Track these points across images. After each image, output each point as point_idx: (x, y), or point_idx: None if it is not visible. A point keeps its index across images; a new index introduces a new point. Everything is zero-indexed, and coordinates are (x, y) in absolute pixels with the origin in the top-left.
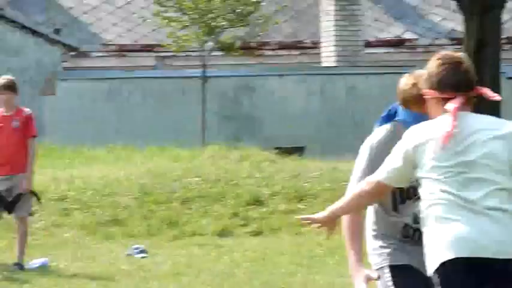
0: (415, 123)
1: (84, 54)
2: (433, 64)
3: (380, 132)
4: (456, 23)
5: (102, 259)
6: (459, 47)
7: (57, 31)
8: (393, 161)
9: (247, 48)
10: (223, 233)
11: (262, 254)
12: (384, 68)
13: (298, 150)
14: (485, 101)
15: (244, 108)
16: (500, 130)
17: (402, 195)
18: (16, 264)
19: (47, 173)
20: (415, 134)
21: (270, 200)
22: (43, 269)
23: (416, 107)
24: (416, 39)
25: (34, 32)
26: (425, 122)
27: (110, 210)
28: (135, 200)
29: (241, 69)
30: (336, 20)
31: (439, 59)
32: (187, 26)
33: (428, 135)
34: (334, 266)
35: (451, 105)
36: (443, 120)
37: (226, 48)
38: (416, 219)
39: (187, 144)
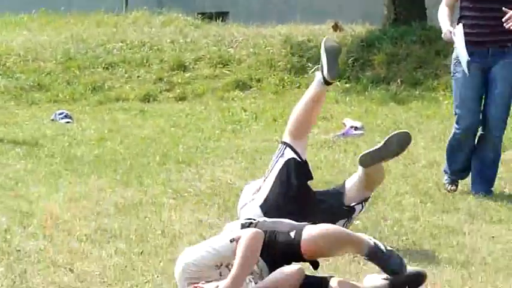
0: None
1: None
2: None
3: None
4: None
5: (27, 124)
6: None
7: None
8: None
9: None
10: (147, 98)
11: (187, 119)
12: None
13: (222, 15)
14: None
15: None
16: None
17: None
18: None
19: None
20: None
21: (194, 65)
22: None
23: None
24: None
25: None
26: None
27: (33, 76)
28: (59, 65)
29: None
30: None
31: None
32: None
33: None
34: (258, 131)
35: None
36: None
37: None
38: None
39: (110, 10)
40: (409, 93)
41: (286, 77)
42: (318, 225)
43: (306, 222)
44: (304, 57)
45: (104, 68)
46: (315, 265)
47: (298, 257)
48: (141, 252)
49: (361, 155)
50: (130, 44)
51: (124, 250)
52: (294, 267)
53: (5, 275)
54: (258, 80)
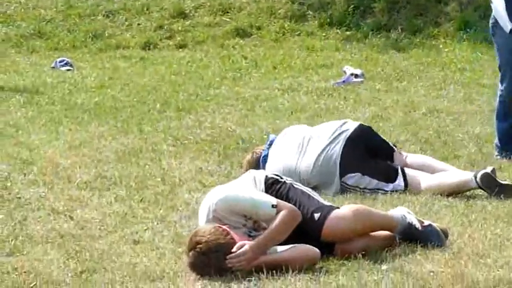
0: None
1: None
2: None
3: None
4: None
5: (27, 72)
6: None
7: None
8: None
9: None
10: (147, 46)
11: (187, 66)
12: None
13: None
14: None
15: None
16: None
17: None
18: None
19: None
20: None
21: (194, 12)
22: None
23: None
24: None
25: None
26: None
27: (34, 23)
28: (59, 13)
29: None
30: None
31: None
32: None
33: None
34: (259, 79)
35: None
36: None
37: None
38: None
39: None
40: (410, 40)
41: (286, 25)
42: (344, 208)
43: (334, 206)
44: (305, 5)
45: (104, 15)
46: (330, 248)
47: (314, 237)
48: (141, 200)
49: (486, 172)
50: None
51: (124, 197)
52: (314, 250)
53: (5, 222)
54: (258, 28)
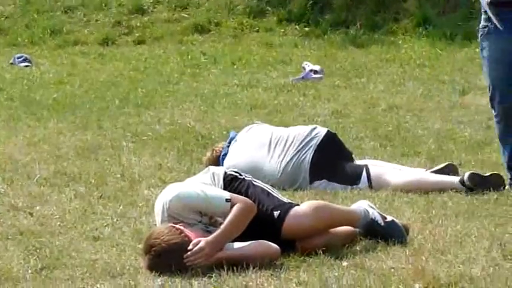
0: None
1: None
2: None
3: None
4: None
5: None
6: None
7: None
8: None
9: None
10: (106, 42)
11: (146, 62)
12: None
13: None
14: None
15: None
16: None
17: None
18: None
19: None
20: None
21: (152, 8)
22: None
23: None
24: None
25: None
26: None
27: None
28: (17, 9)
29: None
30: None
31: None
32: None
33: None
34: (218, 75)
35: None
36: None
37: None
38: None
39: None
40: (369, 37)
41: (245, 21)
42: (304, 205)
43: (294, 203)
44: (263, 1)
45: (62, 11)
46: (290, 245)
47: (274, 235)
48: (101, 196)
49: (472, 172)
50: None
51: (83, 194)
52: (275, 246)
53: None
54: (217, 24)
